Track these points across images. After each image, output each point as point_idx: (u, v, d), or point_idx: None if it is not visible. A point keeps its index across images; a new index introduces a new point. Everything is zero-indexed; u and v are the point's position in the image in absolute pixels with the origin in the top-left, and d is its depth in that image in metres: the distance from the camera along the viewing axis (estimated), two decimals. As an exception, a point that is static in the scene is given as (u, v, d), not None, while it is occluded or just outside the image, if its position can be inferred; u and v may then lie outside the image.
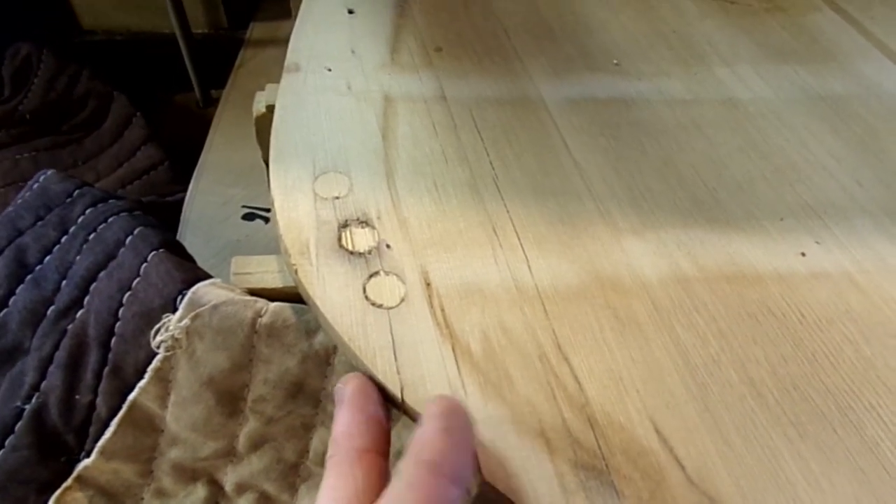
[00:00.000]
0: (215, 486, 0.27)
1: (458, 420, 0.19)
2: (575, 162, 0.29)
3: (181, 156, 0.53)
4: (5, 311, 0.30)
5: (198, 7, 0.64)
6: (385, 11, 0.38)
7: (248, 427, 0.26)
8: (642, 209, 0.27)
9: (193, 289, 0.24)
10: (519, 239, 0.26)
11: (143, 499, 0.26)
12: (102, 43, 0.65)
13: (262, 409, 0.25)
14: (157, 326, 0.24)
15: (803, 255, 0.26)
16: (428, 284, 0.24)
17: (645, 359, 0.22)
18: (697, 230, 0.27)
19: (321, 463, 0.27)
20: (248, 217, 0.40)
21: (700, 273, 0.25)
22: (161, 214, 0.40)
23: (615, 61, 0.35)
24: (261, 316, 0.25)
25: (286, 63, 0.32)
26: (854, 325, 0.24)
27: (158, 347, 0.24)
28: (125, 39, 0.65)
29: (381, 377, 0.21)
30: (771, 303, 0.24)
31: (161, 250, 0.27)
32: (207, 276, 0.26)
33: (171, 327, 0.24)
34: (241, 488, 0.26)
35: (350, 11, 0.37)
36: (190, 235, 0.41)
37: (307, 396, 0.26)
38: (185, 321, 0.24)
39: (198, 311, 0.24)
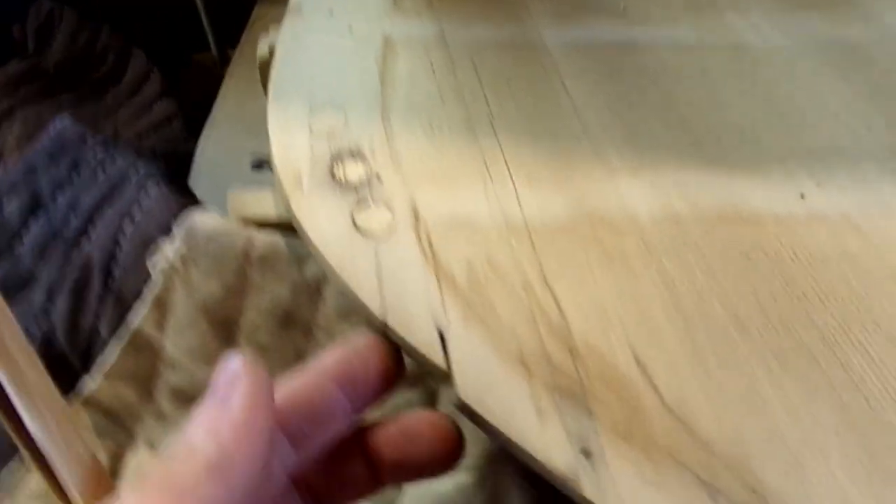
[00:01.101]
0: (212, 413, 0.27)
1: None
2: (573, 104, 0.29)
3: (197, 112, 0.54)
4: (20, 245, 0.31)
5: (214, -36, 0.64)
6: (391, -43, 0.37)
7: (243, 355, 0.27)
8: (639, 150, 0.27)
9: (190, 216, 0.25)
10: (510, 174, 0.26)
11: (143, 420, 0.27)
12: (120, 0, 0.65)
13: (256, 337, 0.26)
14: (154, 252, 0.25)
15: (802, 196, 0.26)
16: (416, 216, 0.24)
17: (630, 291, 0.22)
18: (695, 171, 0.26)
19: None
20: (258, 165, 0.41)
21: (694, 212, 0.25)
22: (174, 164, 0.41)
23: (623, 6, 0.34)
24: (254, 245, 0.25)
25: (289, 5, 0.33)
26: (850, 265, 0.24)
27: (155, 273, 0.25)
28: (143, -3, 0.66)
29: (366, 302, 0.22)
30: (765, 243, 0.24)
31: (161, 183, 0.27)
32: (205, 208, 0.26)
33: (167, 253, 0.25)
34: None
35: (356, -43, 0.37)
36: (201, 185, 0.42)
37: (298, 326, 0.26)
38: (181, 247, 0.24)
39: (193, 237, 0.25)
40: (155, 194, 0.27)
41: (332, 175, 0.25)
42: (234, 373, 0.17)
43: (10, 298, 0.30)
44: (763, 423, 0.19)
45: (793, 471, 0.18)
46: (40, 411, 0.15)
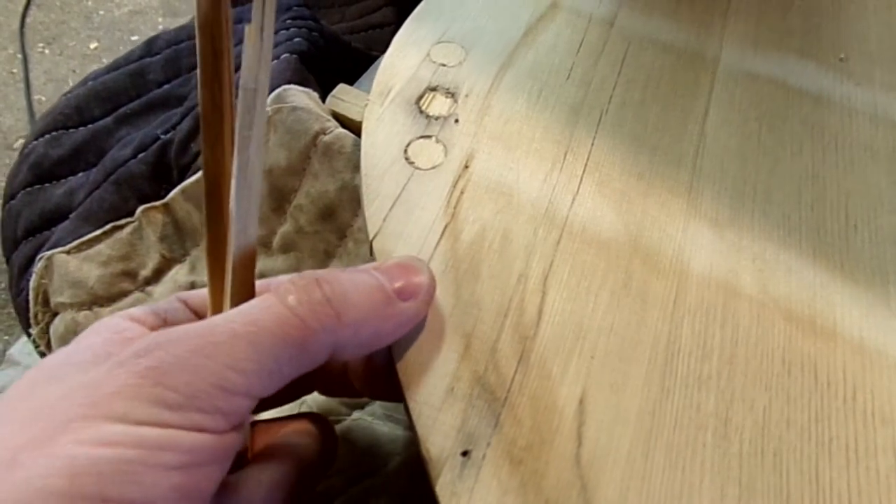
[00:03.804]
0: (247, 265, 0.30)
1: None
2: (702, 132, 0.25)
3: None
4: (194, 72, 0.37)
5: None
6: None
7: (285, 228, 0.29)
8: (742, 207, 0.23)
9: (285, 87, 0.27)
10: (584, 171, 0.24)
11: (198, 245, 0.31)
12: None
13: (298, 216, 0.28)
14: (251, 107, 0.28)
15: (915, 343, 0.20)
16: (466, 167, 0.23)
17: (626, 335, 0.20)
18: (793, 257, 0.22)
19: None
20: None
21: (759, 295, 0.21)
22: (365, 65, 0.44)
23: (842, 56, 0.29)
24: (325, 133, 0.27)
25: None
26: (920, 445, 0.18)
27: (247, 125, 0.28)
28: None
29: (368, 217, 0.22)
30: (824, 365, 0.19)
31: (294, 56, 0.30)
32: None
33: (260, 112, 0.27)
34: (261, 277, 0.30)
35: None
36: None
37: (336, 225, 0.27)
38: (268, 110, 0.27)
39: (280, 105, 0.27)
40: (282, 62, 0.29)
41: (418, 101, 0.25)
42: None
43: (165, 107, 0.35)
44: (673, 538, 0.16)
45: None
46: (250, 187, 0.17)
